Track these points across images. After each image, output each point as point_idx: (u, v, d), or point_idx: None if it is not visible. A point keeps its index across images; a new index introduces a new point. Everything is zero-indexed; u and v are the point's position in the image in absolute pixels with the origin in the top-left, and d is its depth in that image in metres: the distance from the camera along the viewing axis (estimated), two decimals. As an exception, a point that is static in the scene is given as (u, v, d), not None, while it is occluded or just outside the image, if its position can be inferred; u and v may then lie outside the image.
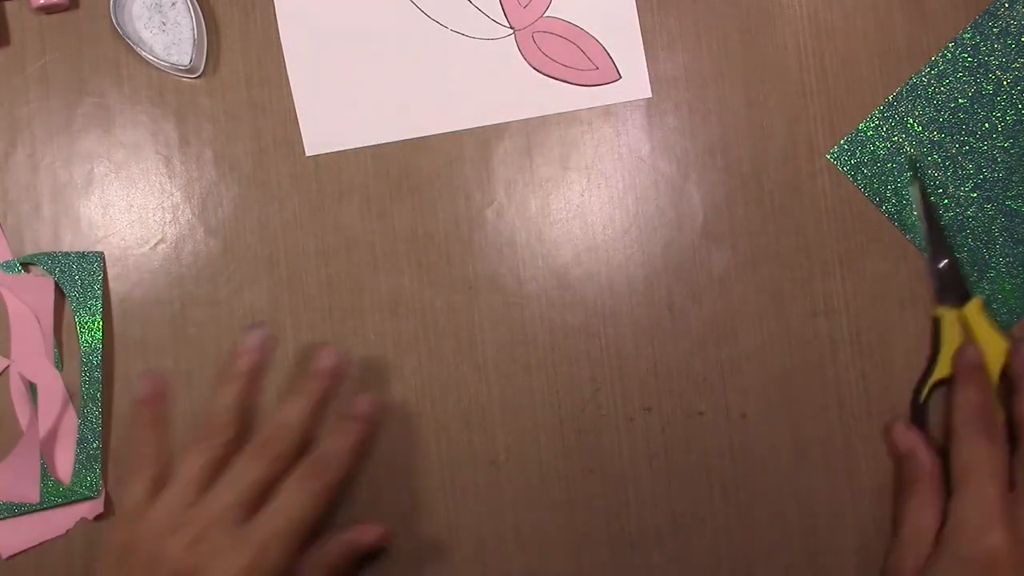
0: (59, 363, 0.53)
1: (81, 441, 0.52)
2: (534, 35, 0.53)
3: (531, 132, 0.53)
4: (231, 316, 0.52)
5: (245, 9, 0.54)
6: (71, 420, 0.52)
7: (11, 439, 0.52)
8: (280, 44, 0.54)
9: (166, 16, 0.53)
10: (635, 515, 0.52)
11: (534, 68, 0.53)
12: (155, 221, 0.54)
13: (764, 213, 0.53)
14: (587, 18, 0.53)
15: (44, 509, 0.52)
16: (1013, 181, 0.52)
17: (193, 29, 0.52)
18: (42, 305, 0.53)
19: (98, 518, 0.52)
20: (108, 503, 0.52)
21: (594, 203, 0.53)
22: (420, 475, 0.52)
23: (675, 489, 0.52)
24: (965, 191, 0.52)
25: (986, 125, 0.52)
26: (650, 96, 0.53)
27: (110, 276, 0.53)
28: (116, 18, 0.52)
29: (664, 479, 0.52)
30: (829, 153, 0.52)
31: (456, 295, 0.53)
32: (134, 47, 0.52)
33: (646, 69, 0.53)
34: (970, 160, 0.52)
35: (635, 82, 0.53)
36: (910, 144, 0.51)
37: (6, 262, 0.53)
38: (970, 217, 0.52)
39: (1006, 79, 0.52)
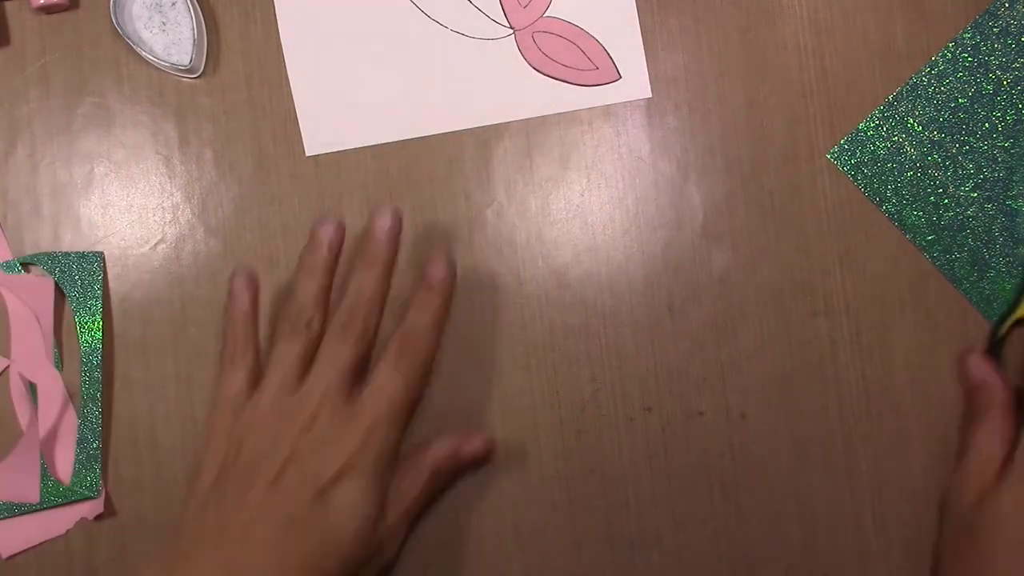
0: (59, 363, 0.53)
1: (81, 441, 0.52)
2: (534, 35, 0.53)
3: (531, 132, 0.53)
4: (231, 316, 0.52)
5: (245, 9, 0.54)
6: (71, 420, 0.52)
7: (11, 439, 0.52)
8: (280, 44, 0.54)
9: (166, 16, 0.53)
10: (635, 515, 0.52)
11: (534, 68, 0.53)
12: (155, 221, 0.54)
13: (764, 213, 0.53)
14: (587, 18, 0.53)
15: (44, 509, 0.52)
16: (1013, 181, 0.52)
17: (193, 29, 0.52)
18: (42, 305, 0.53)
19: (98, 518, 0.52)
20: (108, 503, 0.52)
21: (594, 203, 0.53)
22: None
23: (675, 489, 0.52)
24: (965, 191, 0.52)
25: (986, 125, 0.52)
26: (650, 96, 0.53)
27: (110, 276, 0.53)
28: (116, 18, 0.52)
29: (664, 479, 0.52)
30: (829, 153, 0.52)
31: (456, 295, 0.53)
32: (134, 47, 0.52)
33: (646, 69, 0.53)
34: (970, 160, 0.52)
35: (635, 82, 0.53)
36: (910, 144, 0.51)
37: (6, 262, 0.53)
38: (970, 217, 0.52)
39: (1006, 79, 0.52)
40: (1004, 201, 0.52)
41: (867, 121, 0.52)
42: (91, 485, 0.52)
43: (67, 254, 0.53)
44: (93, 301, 0.53)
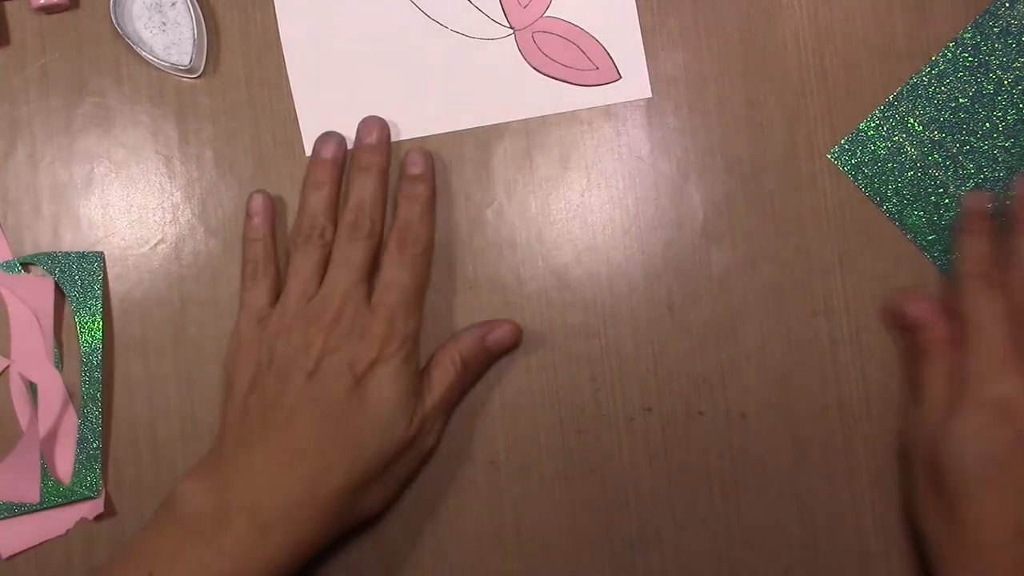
0: (59, 363, 0.53)
1: (81, 441, 0.52)
2: (534, 35, 0.53)
3: (531, 132, 0.53)
4: (231, 316, 0.52)
5: (245, 9, 0.54)
6: (71, 420, 0.52)
7: (11, 439, 0.52)
8: (280, 44, 0.54)
9: (166, 16, 0.53)
10: (635, 515, 0.52)
11: (534, 68, 0.53)
12: (155, 221, 0.54)
13: (764, 213, 0.53)
14: (587, 18, 0.53)
15: (44, 509, 0.52)
16: (1014, 180, 0.52)
17: (193, 29, 0.52)
18: (42, 305, 0.53)
19: (98, 518, 0.52)
20: (108, 503, 0.52)
21: (594, 203, 0.53)
22: (420, 475, 0.52)
23: (675, 489, 0.52)
24: (966, 191, 0.52)
25: (987, 125, 0.52)
26: (650, 96, 0.53)
27: (110, 276, 0.53)
28: (116, 18, 0.52)
29: (664, 479, 0.52)
30: (830, 153, 0.52)
31: (456, 295, 0.53)
32: (134, 47, 0.52)
33: (646, 69, 0.53)
34: (971, 160, 0.52)
35: (635, 82, 0.53)
36: (911, 144, 0.51)
37: (6, 262, 0.53)
38: (970, 217, 0.52)
39: (1007, 79, 0.52)
40: (1005, 201, 0.52)
41: (867, 121, 0.52)
42: (91, 485, 0.52)
43: (67, 254, 0.53)
44: (93, 301, 0.53)
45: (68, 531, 0.52)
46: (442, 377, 0.50)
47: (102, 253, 0.53)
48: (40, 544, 0.52)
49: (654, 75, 0.53)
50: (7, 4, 0.54)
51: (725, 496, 0.52)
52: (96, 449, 0.52)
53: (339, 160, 0.52)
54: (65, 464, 0.52)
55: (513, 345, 0.52)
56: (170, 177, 0.54)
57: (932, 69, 0.52)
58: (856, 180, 0.52)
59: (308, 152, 0.53)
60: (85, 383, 0.52)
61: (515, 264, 0.53)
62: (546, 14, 0.53)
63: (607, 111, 0.53)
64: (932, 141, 0.52)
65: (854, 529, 0.51)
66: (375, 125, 0.52)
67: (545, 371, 0.53)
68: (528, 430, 0.52)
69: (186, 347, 0.53)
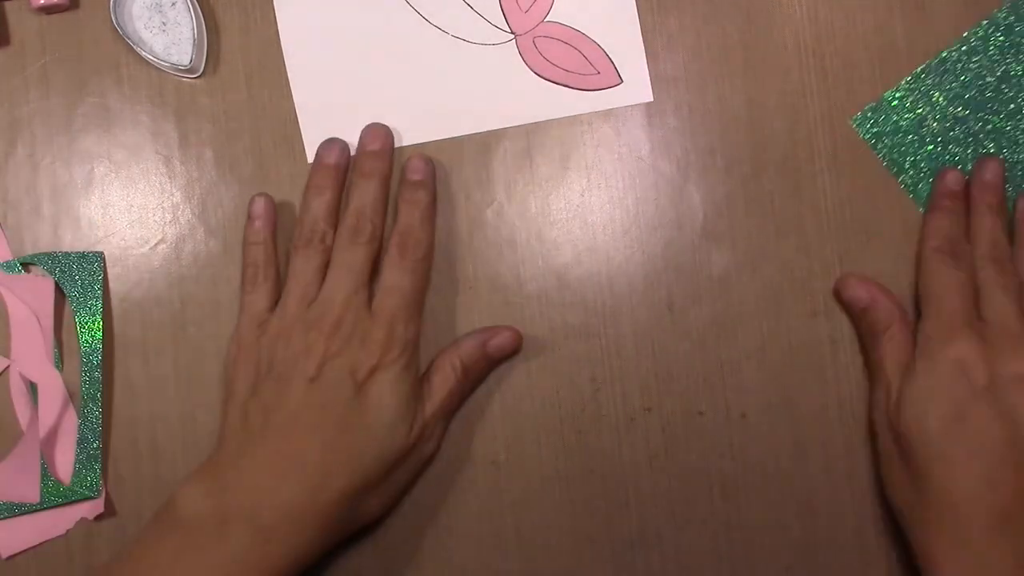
0: (59, 363, 0.53)
1: (81, 441, 0.52)
2: (535, 40, 0.53)
3: (531, 132, 0.53)
4: (231, 316, 0.52)
5: (245, 9, 0.54)
6: (71, 420, 0.52)
7: (11, 439, 0.52)
8: (280, 44, 0.54)
9: (166, 16, 0.53)
10: (635, 515, 0.52)
11: (536, 73, 0.53)
12: (155, 221, 0.54)
13: (764, 213, 0.53)
14: (588, 22, 0.53)
15: (44, 509, 0.52)
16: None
17: (193, 29, 0.52)
18: (42, 305, 0.53)
19: (98, 518, 0.52)
20: (108, 503, 0.52)
21: (594, 203, 0.53)
22: (421, 474, 0.52)
23: (675, 489, 0.52)
24: None
25: (1011, 106, 0.52)
26: (652, 100, 0.53)
27: (110, 276, 0.53)
28: (116, 18, 0.52)
29: (664, 479, 0.52)
30: (852, 119, 0.52)
31: (456, 295, 0.53)
32: (134, 47, 0.52)
33: (648, 73, 0.53)
34: (992, 140, 0.52)
35: (637, 86, 0.53)
36: (933, 118, 0.51)
37: (6, 262, 0.53)
38: (989, 196, 0.52)
39: None
40: (1021, 184, 0.52)
41: (892, 91, 0.52)
42: (91, 485, 0.52)
43: (67, 254, 0.53)
44: (93, 301, 0.53)
45: (68, 531, 0.52)
46: (442, 383, 0.50)
47: (102, 253, 0.53)
48: (40, 544, 0.52)
49: (654, 75, 0.53)
50: (7, 4, 0.54)
51: (725, 496, 0.52)
52: (96, 449, 0.52)
53: (342, 166, 0.52)
54: (65, 464, 0.52)
55: (513, 352, 0.52)
56: (170, 177, 0.54)
57: (962, 45, 0.52)
58: (876, 149, 0.52)
59: (308, 153, 0.53)
60: (85, 383, 0.52)
61: (515, 264, 0.53)
62: (547, 19, 0.53)
63: (607, 111, 0.53)
64: (955, 117, 0.52)
65: (854, 529, 0.51)
66: (379, 132, 0.52)
67: (545, 371, 0.53)
68: (528, 430, 0.52)
69: (186, 347, 0.53)
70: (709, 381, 0.52)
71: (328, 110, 0.53)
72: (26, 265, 0.53)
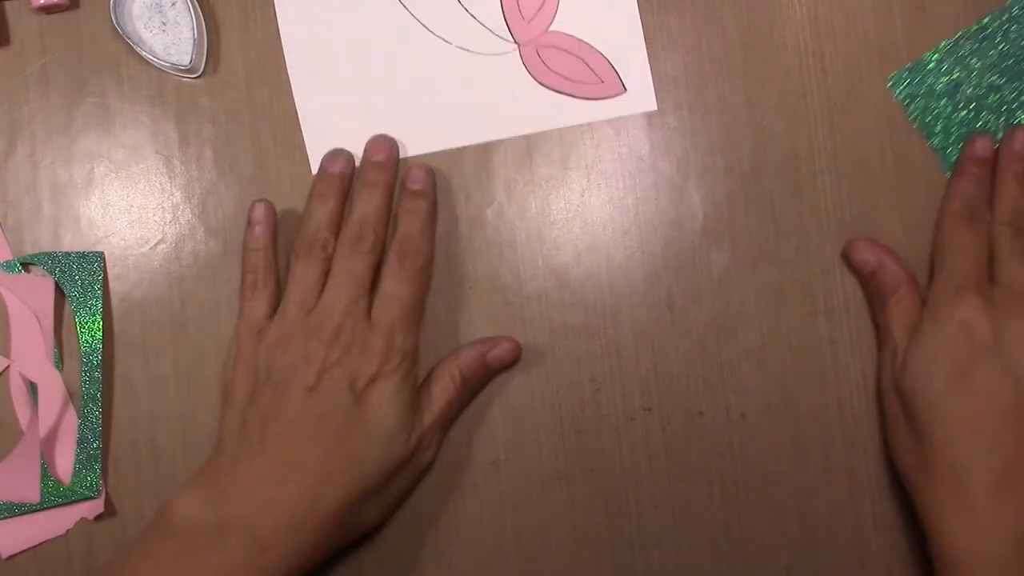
0: (59, 363, 0.53)
1: (81, 441, 0.52)
2: (539, 50, 0.53)
3: (531, 133, 0.53)
4: (231, 316, 0.52)
5: (245, 9, 0.54)
6: (71, 420, 0.52)
7: (11, 439, 0.52)
8: (280, 44, 0.54)
9: (166, 16, 0.53)
10: (635, 515, 0.52)
11: (539, 83, 0.53)
12: (155, 221, 0.54)
13: (764, 213, 0.53)
14: (591, 31, 0.53)
15: (44, 509, 0.52)
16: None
17: (193, 29, 0.52)
18: (42, 305, 0.53)
19: (98, 518, 0.52)
20: (108, 503, 0.52)
21: (594, 203, 0.53)
22: (418, 483, 0.52)
23: (675, 489, 0.52)
24: None
25: None
26: (655, 109, 0.53)
27: (110, 276, 0.53)
28: (116, 18, 0.52)
29: (664, 479, 0.52)
30: (888, 79, 0.52)
31: (456, 295, 0.53)
32: (134, 47, 0.52)
33: (651, 82, 0.53)
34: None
35: (641, 95, 0.53)
36: (968, 84, 0.51)
37: (6, 262, 0.53)
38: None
39: None
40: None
41: (931, 53, 0.52)
42: (91, 485, 0.52)
43: (67, 254, 0.53)
44: (93, 301, 0.53)
45: (68, 531, 0.52)
46: (442, 393, 0.50)
47: (102, 253, 0.53)
48: (40, 544, 0.52)
49: (654, 75, 0.53)
50: (7, 4, 0.54)
51: (725, 496, 0.52)
52: (96, 449, 0.52)
53: (346, 176, 0.52)
54: (65, 464, 0.52)
55: (513, 362, 0.52)
56: (170, 177, 0.54)
57: (1004, 14, 0.52)
58: (908, 110, 0.52)
59: (312, 162, 0.53)
60: (85, 383, 0.52)
61: (515, 264, 0.53)
62: (550, 28, 0.53)
63: (607, 111, 0.53)
64: (991, 85, 0.52)
65: (854, 529, 0.51)
66: (384, 144, 0.52)
67: (545, 371, 0.53)
68: (528, 430, 0.52)
69: (186, 347, 0.53)
70: (709, 381, 0.52)
71: (330, 117, 0.53)
72: (26, 265, 0.53)
